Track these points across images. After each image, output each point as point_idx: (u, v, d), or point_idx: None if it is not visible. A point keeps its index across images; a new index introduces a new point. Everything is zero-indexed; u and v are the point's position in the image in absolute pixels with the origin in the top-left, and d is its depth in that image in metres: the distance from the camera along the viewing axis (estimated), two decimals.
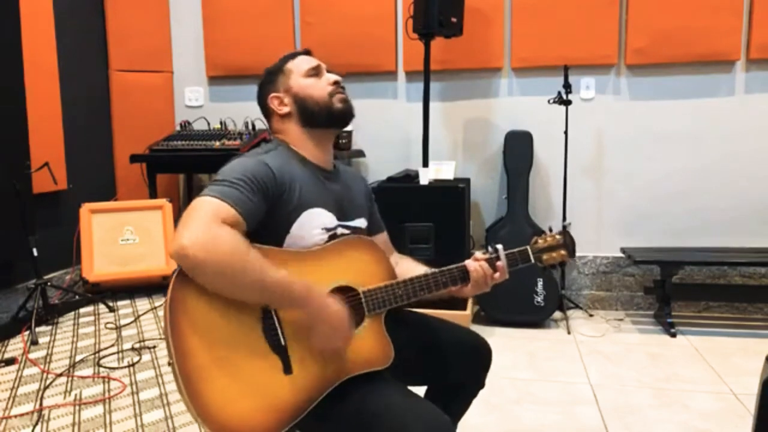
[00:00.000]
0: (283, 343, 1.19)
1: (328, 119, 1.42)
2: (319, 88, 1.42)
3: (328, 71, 1.47)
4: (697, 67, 3.37)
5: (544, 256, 1.47)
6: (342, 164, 1.55)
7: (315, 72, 1.43)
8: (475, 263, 1.40)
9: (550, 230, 1.52)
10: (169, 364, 1.13)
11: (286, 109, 1.42)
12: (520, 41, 3.53)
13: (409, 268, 1.49)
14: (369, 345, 1.30)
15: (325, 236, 1.35)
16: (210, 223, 1.13)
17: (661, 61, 3.37)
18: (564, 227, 3.32)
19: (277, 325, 1.19)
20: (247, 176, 1.23)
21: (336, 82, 1.44)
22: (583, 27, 3.42)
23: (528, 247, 1.46)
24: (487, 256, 1.42)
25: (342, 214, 1.40)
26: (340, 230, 1.38)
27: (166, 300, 1.13)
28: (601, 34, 3.43)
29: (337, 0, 3.72)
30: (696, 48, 3.31)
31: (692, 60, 3.35)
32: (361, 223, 1.48)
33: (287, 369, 1.18)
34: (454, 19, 3.18)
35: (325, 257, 1.30)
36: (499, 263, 1.41)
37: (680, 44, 3.32)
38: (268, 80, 1.46)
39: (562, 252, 1.47)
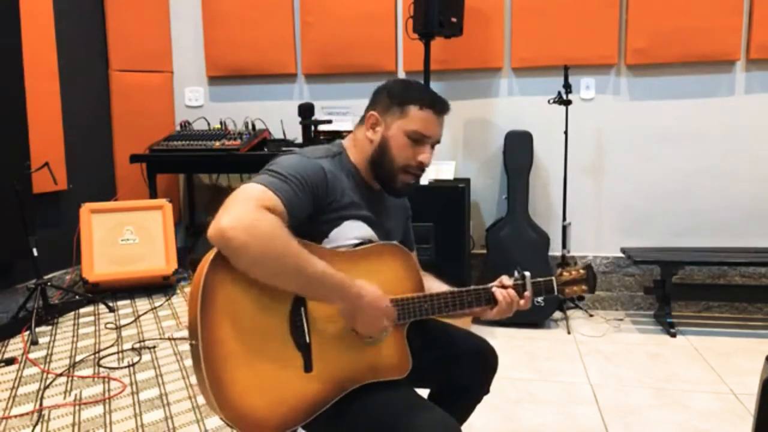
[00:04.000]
0: (307, 340, 1.19)
1: (383, 181, 1.40)
2: (406, 155, 1.36)
3: (434, 144, 1.40)
4: (697, 67, 3.37)
5: (567, 289, 1.48)
6: None
7: (420, 138, 1.36)
8: (503, 291, 1.39)
9: (575, 263, 1.52)
10: (191, 344, 1.13)
11: (371, 136, 1.39)
12: (520, 41, 3.53)
13: (431, 285, 1.47)
14: (390, 354, 1.30)
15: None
16: (252, 207, 1.11)
17: (661, 61, 3.37)
18: (564, 227, 3.33)
19: (304, 322, 1.20)
20: (300, 174, 1.23)
21: (422, 165, 1.38)
22: (583, 27, 3.42)
23: (553, 278, 1.46)
24: (513, 282, 1.42)
25: (380, 231, 1.40)
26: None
27: (198, 281, 1.12)
28: (601, 34, 3.43)
29: (337, 0, 3.72)
30: (696, 48, 3.31)
31: (692, 60, 3.34)
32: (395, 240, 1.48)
33: (308, 367, 1.19)
34: (454, 19, 3.18)
35: (357, 260, 1.30)
36: (526, 293, 1.41)
37: (680, 44, 3.32)
38: (387, 95, 1.38)
39: (584, 287, 1.49)
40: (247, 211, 1.11)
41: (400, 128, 1.35)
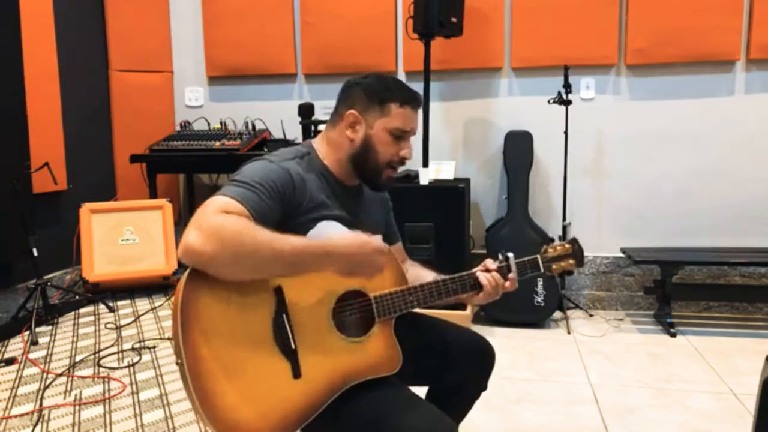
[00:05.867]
0: (293, 346, 1.18)
1: (367, 179, 1.42)
2: (390, 152, 1.38)
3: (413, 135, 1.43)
4: (697, 67, 3.37)
5: (554, 266, 1.48)
6: None
7: (402, 134, 1.39)
8: (487, 274, 1.39)
9: (560, 239, 1.52)
10: (178, 364, 1.13)
11: (351, 135, 1.38)
12: (520, 41, 3.53)
13: (419, 274, 1.48)
14: (378, 351, 1.30)
15: None
16: (211, 216, 1.11)
17: (661, 61, 3.37)
18: (564, 227, 3.33)
19: (288, 328, 1.19)
20: (265, 180, 1.22)
21: (403, 160, 1.41)
22: (583, 27, 3.42)
23: (538, 257, 1.46)
24: (497, 265, 1.42)
25: (357, 231, 1.40)
26: None
27: (176, 301, 1.12)
28: (601, 34, 3.43)
29: (337, 0, 3.72)
30: (696, 48, 3.31)
31: (692, 60, 3.34)
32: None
33: (296, 373, 1.18)
34: (454, 19, 3.18)
35: None
36: (510, 275, 1.41)
37: (680, 44, 3.32)
38: (364, 93, 1.38)
39: (571, 261, 1.48)
40: (207, 220, 1.10)
41: (383, 126, 1.37)
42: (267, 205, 1.20)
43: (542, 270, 1.46)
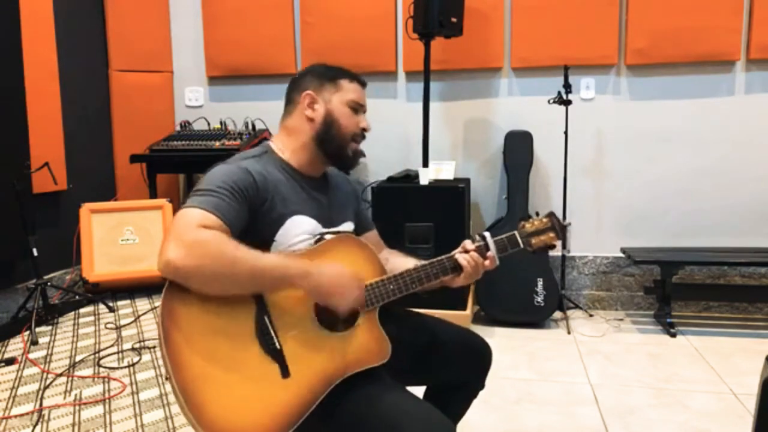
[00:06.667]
0: (278, 347, 1.18)
1: (334, 155, 1.44)
2: (351, 123, 1.43)
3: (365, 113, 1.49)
4: (697, 67, 3.37)
5: (533, 240, 1.45)
6: (332, 169, 1.54)
7: (358, 107, 1.45)
8: (466, 255, 1.40)
9: (537, 214, 1.51)
10: (167, 378, 1.13)
11: (311, 114, 1.41)
12: (520, 41, 3.53)
13: (399, 262, 1.48)
14: (365, 341, 1.29)
15: (311, 241, 1.35)
16: (190, 231, 1.13)
17: (661, 61, 3.37)
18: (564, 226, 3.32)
19: (270, 329, 1.19)
20: (228, 184, 1.24)
21: (365, 130, 1.46)
22: (583, 27, 3.42)
23: (516, 232, 1.45)
24: (475, 245, 1.42)
25: (327, 222, 1.40)
26: (327, 236, 1.38)
27: (159, 314, 1.13)
28: (601, 34, 3.43)
29: (337, 0, 3.72)
30: (696, 48, 3.31)
31: (692, 60, 3.35)
32: (347, 227, 1.48)
33: (284, 373, 1.18)
34: (454, 19, 3.18)
35: (314, 258, 1.29)
36: (489, 253, 1.41)
37: (680, 44, 3.32)
38: (315, 76, 1.44)
39: (551, 234, 1.46)
40: (186, 234, 1.12)
41: (340, 100, 1.42)
42: (235, 209, 1.22)
43: (522, 245, 1.44)
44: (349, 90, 1.43)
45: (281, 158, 1.41)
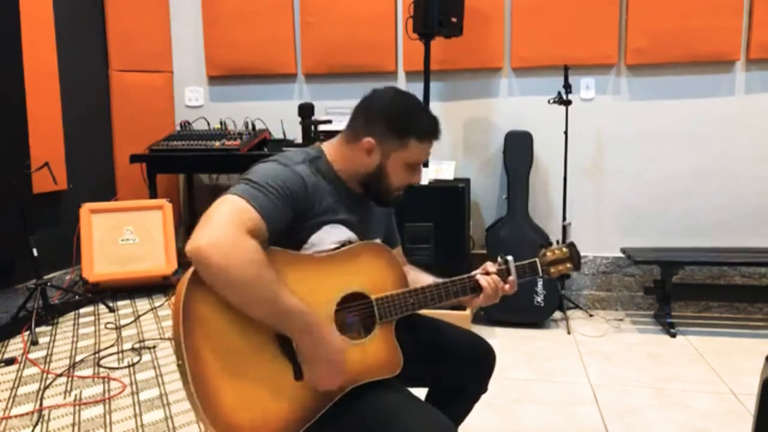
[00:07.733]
0: (295, 348, 1.18)
1: (374, 197, 1.42)
2: (402, 180, 1.39)
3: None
4: (697, 67, 3.36)
5: (552, 269, 1.48)
6: None
7: (415, 166, 1.40)
8: (487, 277, 1.40)
9: (558, 243, 1.53)
10: (179, 365, 1.12)
11: (365, 160, 1.36)
12: (520, 41, 3.53)
13: (418, 278, 1.48)
14: (378, 353, 1.30)
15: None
16: (234, 229, 1.10)
17: (661, 61, 3.37)
18: (564, 227, 3.33)
19: None
20: (279, 184, 1.21)
21: (411, 187, 1.43)
22: (583, 27, 3.42)
23: (537, 260, 1.46)
24: (497, 268, 1.42)
25: (361, 236, 1.39)
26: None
27: (178, 301, 1.11)
28: (601, 34, 3.42)
29: (337, 0, 3.72)
30: (696, 48, 3.31)
31: (692, 60, 3.34)
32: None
33: (298, 375, 1.18)
34: (454, 19, 3.18)
35: (338, 262, 1.29)
36: (510, 278, 1.42)
37: (680, 44, 3.32)
38: (385, 123, 1.34)
39: (568, 265, 1.49)
40: (227, 233, 1.10)
41: (399, 159, 1.36)
42: (279, 209, 1.20)
43: (541, 274, 1.46)
44: (413, 151, 1.36)
45: (333, 168, 1.37)
